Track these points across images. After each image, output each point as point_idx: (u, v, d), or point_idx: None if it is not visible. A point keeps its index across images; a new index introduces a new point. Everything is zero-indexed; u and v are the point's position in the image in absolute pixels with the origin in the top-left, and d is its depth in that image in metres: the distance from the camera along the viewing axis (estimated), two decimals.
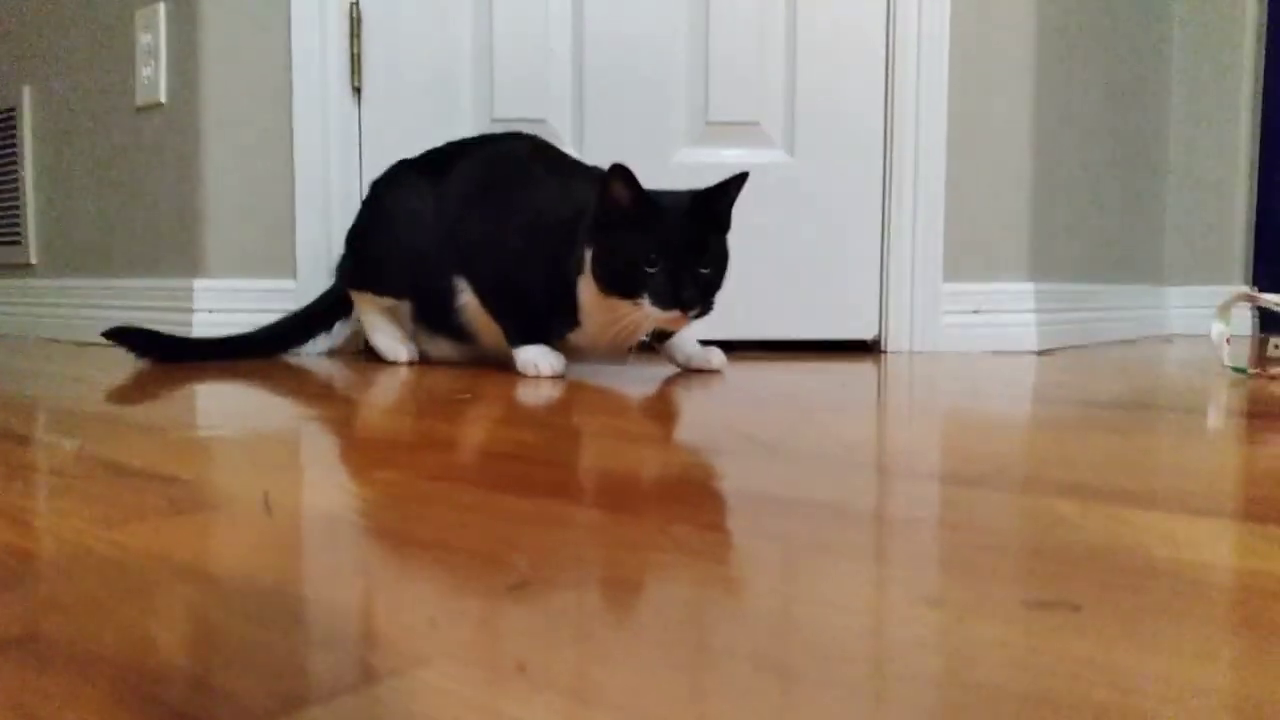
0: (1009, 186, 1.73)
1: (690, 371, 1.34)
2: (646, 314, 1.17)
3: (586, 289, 1.23)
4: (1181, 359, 1.65)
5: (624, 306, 1.19)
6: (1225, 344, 1.34)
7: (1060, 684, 0.30)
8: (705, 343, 1.39)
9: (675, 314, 1.16)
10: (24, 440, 0.78)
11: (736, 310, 1.74)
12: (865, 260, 1.73)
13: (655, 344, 1.38)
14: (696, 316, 1.18)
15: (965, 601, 0.37)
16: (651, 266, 1.16)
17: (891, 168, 1.71)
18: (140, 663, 0.31)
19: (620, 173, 1.15)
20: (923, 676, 0.30)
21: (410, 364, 1.46)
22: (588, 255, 1.21)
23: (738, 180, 1.21)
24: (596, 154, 1.55)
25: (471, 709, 0.28)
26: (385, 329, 1.49)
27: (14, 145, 2.26)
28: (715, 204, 1.20)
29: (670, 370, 1.35)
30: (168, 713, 0.28)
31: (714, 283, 1.19)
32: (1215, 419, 0.92)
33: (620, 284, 1.18)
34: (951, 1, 1.68)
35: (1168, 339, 2.22)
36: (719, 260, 1.20)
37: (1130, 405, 1.00)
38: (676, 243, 1.16)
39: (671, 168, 1.71)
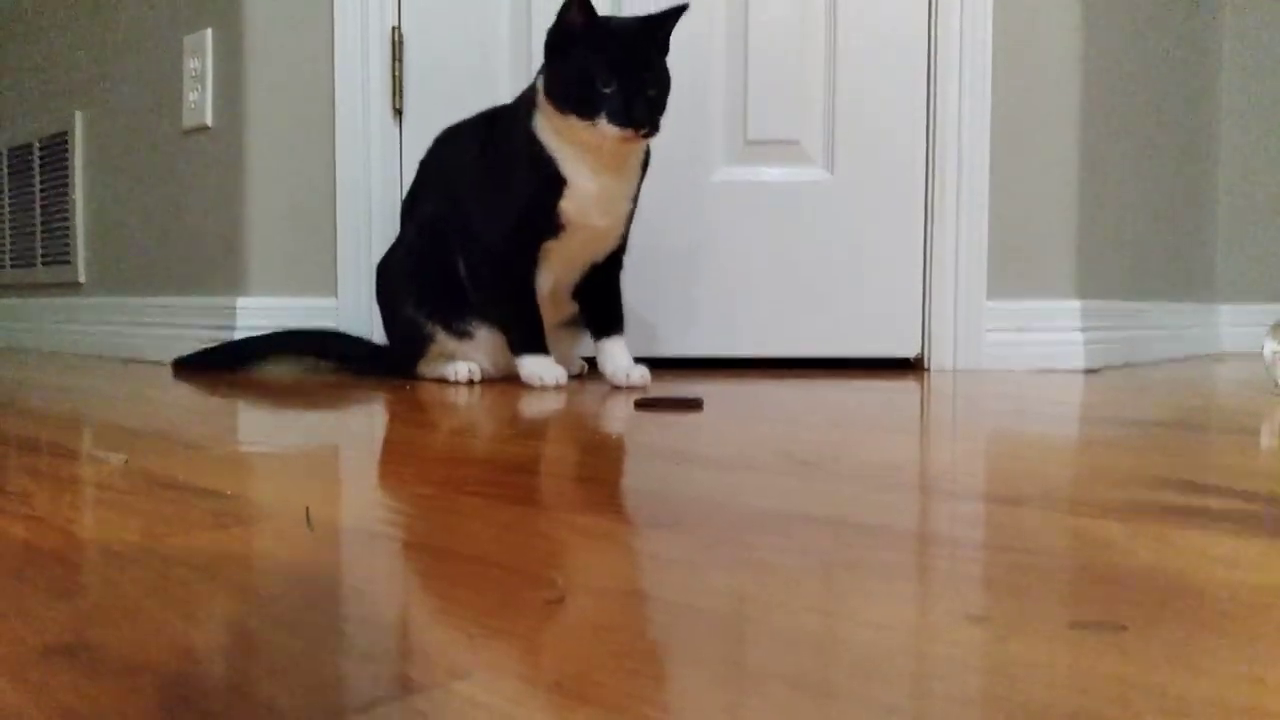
0: (1055, 201, 1.71)
1: (614, 388, 1.36)
2: (603, 133, 1.24)
3: (546, 125, 1.29)
4: (1233, 378, 1.61)
5: (580, 128, 1.25)
6: (1278, 363, 1.31)
7: (1106, 706, 0.29)
8: (649, 361, 1.43)
9: (629, 132, 1.23)
10: (73, 455, 0.79)
11: (778, 327, 1.73)
12: (907, 277, 1.72)
13: (595, 342, 1.42)
14: (645, 136, 1.25)
15: (1009, 621, 0.37)
16: (606, 86, 1.22)
17: (934, 184, 1.70)
18: (184, 672, 0.32)
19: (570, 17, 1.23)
20: (965, 696, 0.30)
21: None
22: (540, 84, 1.29)
23: (680, 8, 1.30)
24: None
25: None
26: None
27: (65, 168, 2.32)
28: (660, 29, 1.29)
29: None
30: None
31: (660, 104, 1.27)
32: (1267, 439, 0.90)
33: (577, 104, 1.24)
34: (995, 15, 1.67)
35: (1219, 358, 2.18)
36: (664, 83, 1.28)
37: (1180, 425, 0.98)
38: (629, 64, 1.23)
39: (712, 186, 1.71)
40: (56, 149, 2.37)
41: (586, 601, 0.39)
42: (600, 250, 1.38)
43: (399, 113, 1.72)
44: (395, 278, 1.47)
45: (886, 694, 0.30)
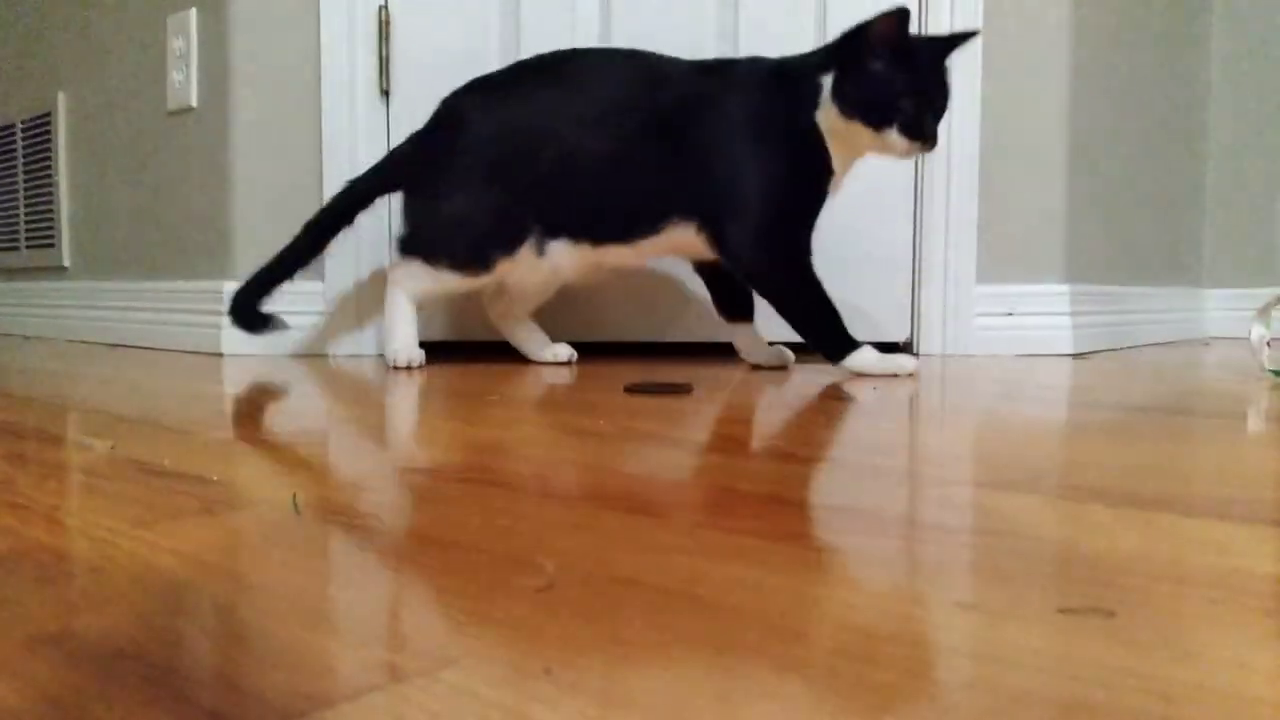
0: (1044, 186, 1.71)
1: (758, 368, 1.43)
2: (891, 144, 1.28)
3: (825, 122, 1.31)
4: (1220, 362, 1.62)
5: (865, 135, 1.29)
6: (1265, 347, 1.32)
7: (1094, 691, 0.29)
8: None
9: (918, 145, 1.28)
10: (58, 440, 0.79)
11: (768, 311, 1.74)
12: (897, 262, 1.72)
13: (731, 324, 1.49)
14: (928, 150, 1.30)
15: (998, 606, 0.37)
16: (904, 100, 1.26)
17: (923, 168, 1.70)
18: (170, 660, 0.32)
19: (900, 15, 1.23)
20: (954, 682, 0.30)
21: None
22: (826, 85, 1.30)
23: (971, 33, 1.33)
24: None
25: (497, 711, 0.28)
26: None
27: (48, 150, 2.30)
28: (953, 48, 1.31)
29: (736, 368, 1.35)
30: (197, 710, 0.28)
31: (940, 119, 1.30)
32: (1254, 423, 0.91)
33: (871, 112, 1.27)
34: None
35: (1206, 342, 2.19)
36: (948, 101, 1.31)
37: (1167, 410, 0.99)
38: (926, 81, 1.28)
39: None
40: (39, 130, 2.34)
41: (574, 589, 0.39)
42: None
43: (386, 94, 1.70)
44: (521, 150, 1.38)
45: (875, 680, 0.30)
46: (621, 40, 1.70)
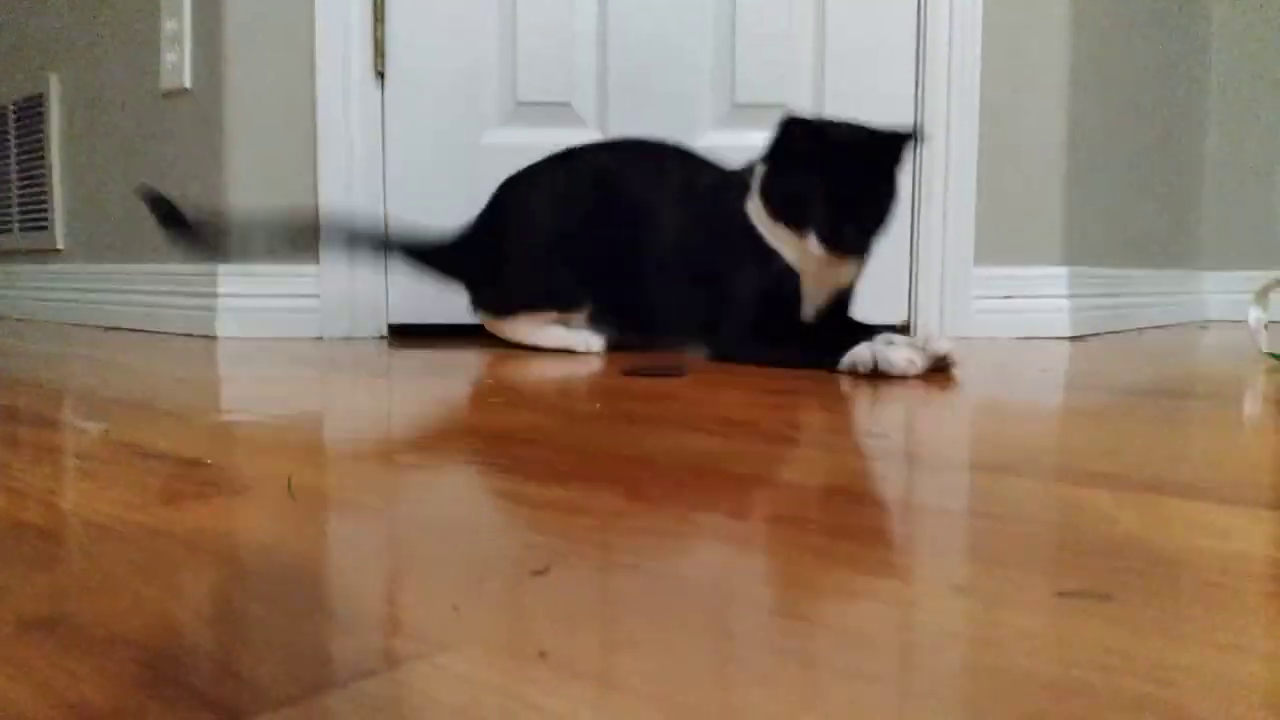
0: (1043, 168, 1.70)
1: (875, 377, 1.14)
2: (810, 250, 1.20)
3: (758, 216, 1.25)
4: (1218, 345, 1.62)
5: (789, 241, 1.22)
6: (1263, 330, 1.32)
7: (1090, 673, 0.29)
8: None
9: (835, 256, 1.19)
10: (52, 423, 0.78)
11: None
12: (894, 244, 1.71)
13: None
14: (852, 260, 1.22)
15: (994, 590, 0.37)
16: (818, 203, 1.17)
17: (921, 149, 1.69)
18: (164, 645, 0.31)
19: (797, 125, 1.18)
20: (950, 665, 0.30)
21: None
22: (757, 173, 1.25)
23: (914, 135, 1.22)
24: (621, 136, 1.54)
25: (494, 694, 0.28)
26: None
27: (41, 132, 2.29)
28: (891, 147, 1.20)
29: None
30: (191, 694, 0.28)
31: (875, 226, 1.20)
32: (1252, 406, 0.91)
33: (787, 214, 1.21)
34: None
35: (1204, 325, 2.19)
36: (884, 203, 1.21)
37: (1165, 392, 0.99)
38: (846, 182, 1.17)
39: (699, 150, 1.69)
40: (32, 112, 2.33)
41: (569, 572, 0.39)
42: (836, 293, 1.31)
43: (381, 75, 1.69)
44: (550, 221, 1.41)
45: (871, 664, 0.30)
46: (618, 17, 1.69)
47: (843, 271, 1.27)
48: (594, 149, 1.46)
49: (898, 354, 1.10)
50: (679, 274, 1.35)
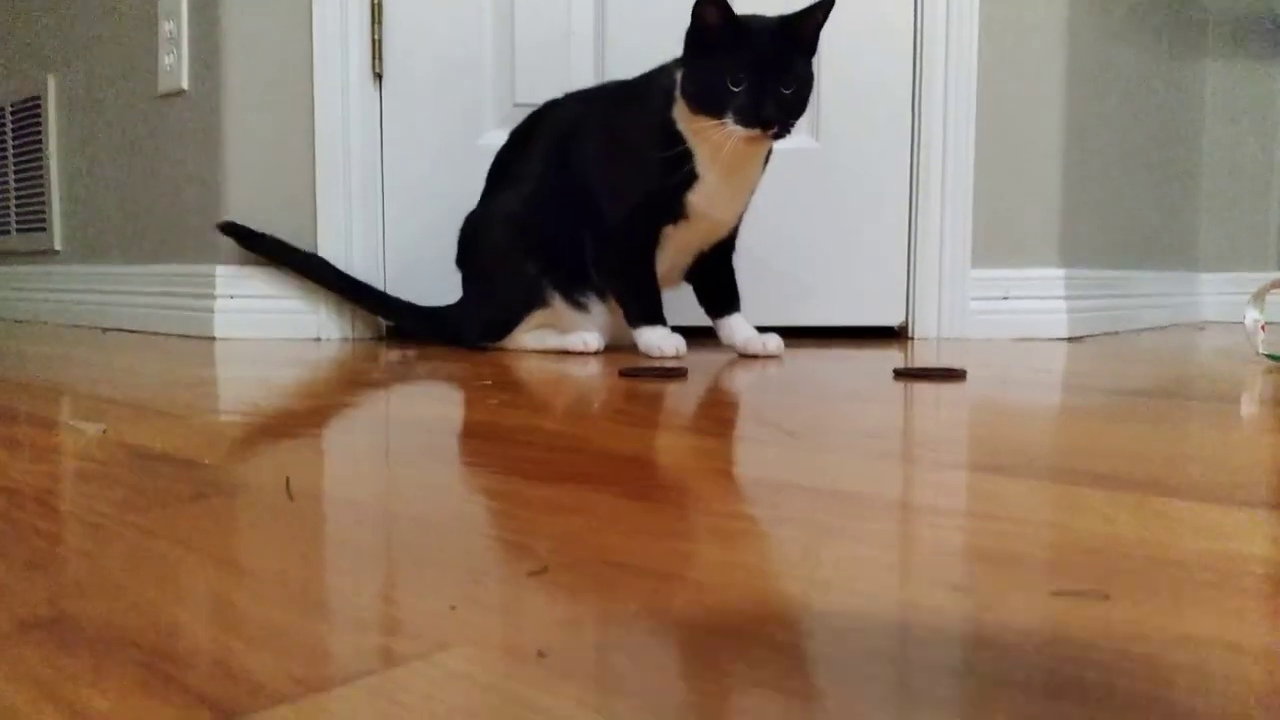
0: (1040, 170, 1.70)
1: (745, 357, 1.37)
2: (730, 132, 1.22)
3: (682, 118, 1.29)
4: (1215, 346, 1.63)
5: (712, 130, 1.24)
6: (1260, 331, 1.32)
7: (1088, 673, 0.29)
8: (761, 329, 1.42)
9: (755, 131, 1.22)
10: (49, 424, 0.78)
11: (763, 296, 1.73)
12: (892, 246, 1.71)
13: (714, 320, 1.44)
14: (775, 136, 1.25)
15: (991, 590, 0.37)
16: (736, 86, 1.21)
17: (919, 152, 1.69)
18: (163, 645, 0.31)
19: (707, 5, 1.21)
20: (947, 666, 0.30)
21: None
22: (678, 78, 1.28)
23: (825, 5, 1.25)
24: None
25: (491, 694, 0.28)
26: None
27: (39, 133, 2.28)
28: (803, 27, 1.25)
29: (727, 355, 1.35)
30: (190, 695, 0.28)
31: (795, 105, 1.25)
32: (1249, 407, 0.91)
33: (708, 102, 1.24)
34: None
35: (1201, 326, 2.19)
36: (802, 83, 1.25)
37: (1162, 393, 0.99)
38: (762, 64, 1.21)
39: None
40: (29, 113, 2.32)
41: (568, 573, 0.39)
42: (715, 238, 1.40)
43: (379, 77, 1.69)
44: (502, 236, 1.43)
45: (868, 663, 0.30)
46: (617, 15, 1.69)
47: (753, 168, 1.33)
48: (516, 130, 1.49)
49: (667, 343, 1.31)
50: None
